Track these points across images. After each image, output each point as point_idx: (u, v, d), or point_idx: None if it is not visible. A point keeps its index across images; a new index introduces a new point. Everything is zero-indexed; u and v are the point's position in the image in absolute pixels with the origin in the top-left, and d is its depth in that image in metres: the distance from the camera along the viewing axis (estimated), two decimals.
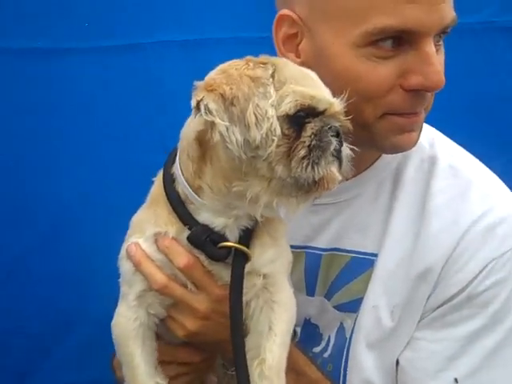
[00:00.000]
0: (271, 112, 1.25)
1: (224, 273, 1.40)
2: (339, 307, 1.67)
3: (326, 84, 1.36)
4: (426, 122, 1.65)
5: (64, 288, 2.36)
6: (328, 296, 1.68)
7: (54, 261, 2.38)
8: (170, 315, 1.47)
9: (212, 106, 1.23)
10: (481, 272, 1.52)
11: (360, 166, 1.61)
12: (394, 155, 1.62)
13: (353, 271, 1.64)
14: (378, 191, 1.63)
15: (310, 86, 1.32)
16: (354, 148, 1.34)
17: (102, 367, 1.58)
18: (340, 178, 1.32)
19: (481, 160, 1.69)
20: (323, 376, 1.61)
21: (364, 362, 1.62)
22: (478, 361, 1.53)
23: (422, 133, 1.64)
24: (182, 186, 1.39)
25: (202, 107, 1.24)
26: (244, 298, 1.41)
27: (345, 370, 1.64)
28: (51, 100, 2.33)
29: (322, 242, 1.67)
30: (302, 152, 1.26)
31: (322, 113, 1.30)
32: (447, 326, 1.55)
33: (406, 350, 1.59)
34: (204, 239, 1.37)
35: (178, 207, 1.39)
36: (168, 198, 1.41)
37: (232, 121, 1.24)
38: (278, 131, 1.25)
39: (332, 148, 1.29)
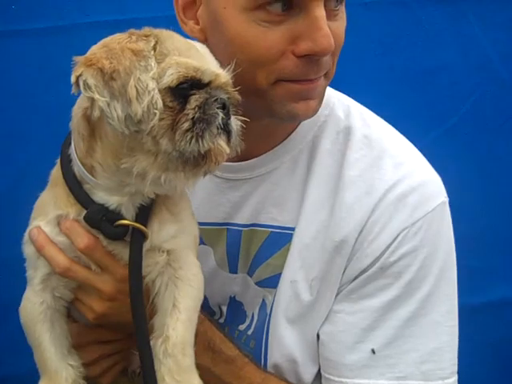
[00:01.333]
0: (152, 85, 1.23)
1: (124, 252, 1.38)
2: (260, 283, 1.66)
3: (220, 51, 1.35)
4: (355, 94, 1.66)
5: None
6: (250, 272, 1.67)
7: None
8: (77, 298, 1.46)
9: (90, 81, 1.21)
10: (393, 242, 1.51)
11: (274, 139, 1.62)
12: (309, 127, 1.61)
13: (272, 246, 1.63)
14: (294, 164, 1.61)
15: (195, 58, 1.29)
16: (246, 119, 1.32)
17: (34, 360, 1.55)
18: (228, 151, 1.30)
19: (412, 134, 1.67)
20: (241, 353, 1.60)
21: (284, 338, 1.61)
22: (394, 331, 1.53)
23: (338, 103, 1.64)
24: (77, 166, 1.37)
25: (81, 83, 1.22)
26: (149, 276, 1.40)
27: (266, 346, 1.64)
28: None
29: (241, 218, 1.66)
30: (186, 125, 1.24)
31: (208, 84, 1.28)
32: (363, 297, 1.55)
33: (326, 323, 1.59)
34: (100, 218, 1.35)
35: (75, 188, 1.37)
36: (65, 179, 1.39)
37: (113, 96, 1.21)
38: (160, 104, 1.23)
39: (218, 121, 1.27)
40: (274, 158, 1.62)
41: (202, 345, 1.54)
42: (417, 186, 1.55)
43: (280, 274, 1.62)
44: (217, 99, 1.27)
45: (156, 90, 1.23)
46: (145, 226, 1.37)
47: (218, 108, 1.27)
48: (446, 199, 1.58)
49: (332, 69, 1.49)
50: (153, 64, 1.24)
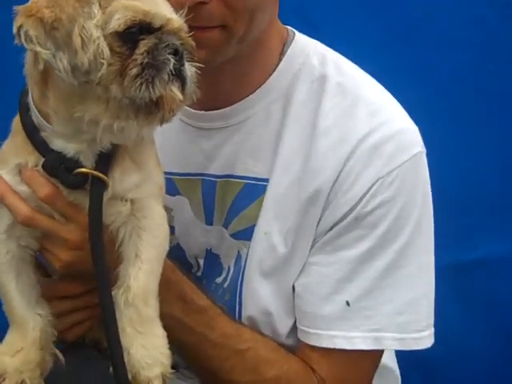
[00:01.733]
0: (96, 33, 1.17)
1: (86, 202, 1.34)
2: (235, 235, 1.64)
3: None
4: (341, 46, 1.62)
5: None
6: (225, 224, 1.65)
7: None
8: (44, 247, 1.43)
9: (31, 32, 1.16)
10: (367, 192, 1.48)
11: (247, 87, 1.58)
12: (283, 76, 1.57)
13: (246, 198, 1.60)
14: (268, 113, 1.58)
15: (145, 1, 1.24)
16: (201, 66, 1.28)
17: None
18: (182, 98, 1.25)
19: (398, 88, 1.62)
20: (213, 304, 1.58)
21: (259, 291, 1.59)
22: (369, 283, 1.51)
23: (313, 51, 1.60)
24: (34, 113, 1.33)
25: (22, 34, 1.17)
26: (112, 225, 1.37)
27: (240, 298, 1.62)
28: None
29: (215, 168, 1.63)
30: (134, 70, 1.20)
31: (159, 29, 1.23)
32: (338, 248, 1.52)
33: (301, 275, 1.56)
34: (58, 166, 1.31)
35: (33, 135, 1.33)
36: (23, 127, 1.34)
37: (58, 46, 1.16)
38: (107, 53, 1.18)
39: (169, 67, 1.22)
40: (247, 106, 1.59)
41: (174, 294, 1.52)
42: (392, 135, 1.50)
43: (254, 226, 1.59)
44: (168, 44, 1.22)
45: (101, 38, 1.18)
46: (105, 174, 1.32)
47: (169, 54, 1.22)
48: (424, 150, 1.55)
49: (236, 25, 1.42)
50: (96, 11, 1.19)
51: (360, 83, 1.59)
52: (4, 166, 1.38)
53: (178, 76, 1.23)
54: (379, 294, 1.51)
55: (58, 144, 1.32)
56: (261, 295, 1.60)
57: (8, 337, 1.43)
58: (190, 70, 1.26)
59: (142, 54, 1.20)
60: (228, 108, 1.59)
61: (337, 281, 1.52)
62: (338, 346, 1.53)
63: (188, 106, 1.61)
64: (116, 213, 1.36)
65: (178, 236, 1.71)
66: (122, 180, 1.35)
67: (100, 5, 1.20)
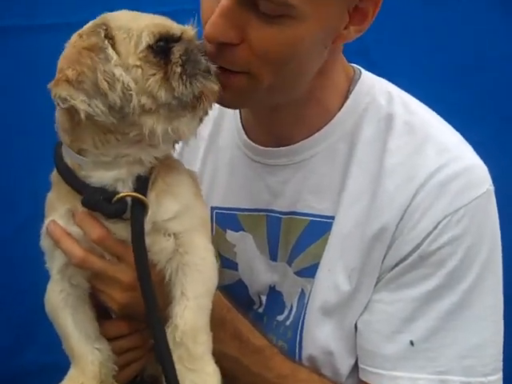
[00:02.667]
0: (118, 72, 1.29)
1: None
2: (299, 273, 1.63)
3: None
4: (407, 88, 1.63)
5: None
6: (289, 261, 1.65)
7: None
8: (99, 289, 1.46)
9: (63, 94, 1.27)
10: (434, 229, 1.46)
11: (312, 125, 1.60)
12: (349, 114, 1.58)
13: (311, 235, 1.60)
14: (333, 151, 1.59)
15: (155, 19, 1.37)
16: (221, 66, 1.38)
17: None
18: (218, 89, 1.36)
19: (462, 128, 1.62)
20: (269, 343, 1.58)
21: (320, 329, 1.58)
22: (434, 323, 1.47)
23: (380, 90, 1.61)
24: (67, 154, 1.39)
25: (58, 100, 1.28)
26: (160, 264, 1.40)
27: (301, 337, 1.61)
28: (23, 76, 2.41)
29: (280, 205, 1.64)
30: (178, 70, 1.32)
31: (180, 37, 1.35)
32: (403, 286, 1.50)
33: (364, 313, 1.55)
34: (97, 199, 1.36)
35: (69, 177, 1.39)
36: (61, 175, 1.41)
37: (89, 95, 1.27)
38: (132, 84, 1.29)
39: (204, 64, 1.35)
40: (312, 144, 1.60)
41: (229, 333, 1.53)
42: (460, 173, 1.49)
43: (318, 264, 1.59)
44: (195, 47, 1.35)
45: (123, 75, 1.29)
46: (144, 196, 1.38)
47: (200, 54, 1.35)
48: (492, 188, 1.52)
49: (261, 74, 1.41)
50: (111, 52, 1.30)
51: (428, 122, 1.59)
52: (54, 213, 1.44)
53: (209, 72, 1.35)
54: (444, 335, 1.48)
55: (95, 177, 1.37)
56: (322, 334, 1.58)
57: (69, 373, 1.46)
58: (213, 68, 1.37)
59: (179, 56, 1.33)
60: (293, 145, 1.60)
61: (400, 319, 1.50)
62: None
63: (253, 142, 1.65)
64: (161, 250, 1.39)
65: (240, 272, 1.72)
66: (159, 205, 1.39)
67: (113, 46, 1.31)
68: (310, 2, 1.33)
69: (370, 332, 1.54)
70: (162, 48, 1.32)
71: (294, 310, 1.65)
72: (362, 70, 1.66)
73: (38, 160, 2.40)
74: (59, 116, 1.39)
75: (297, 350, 1.61)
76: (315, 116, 1.59)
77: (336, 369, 1.59)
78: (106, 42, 1.31)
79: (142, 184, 1.38)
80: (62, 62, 1.32)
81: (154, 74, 1.30)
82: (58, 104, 1.29)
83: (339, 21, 1.43)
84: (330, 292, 1.56)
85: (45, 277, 2.38)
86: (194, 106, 1.34)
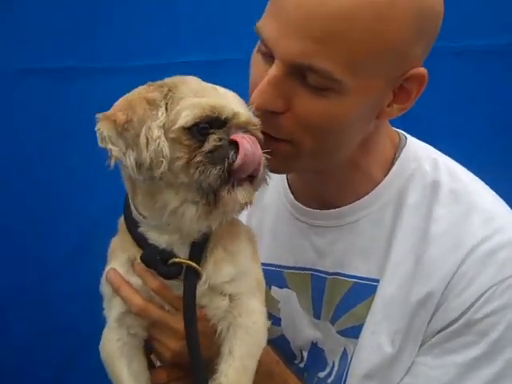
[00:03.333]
0: (157, 133, 1.29)
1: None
2: (343, 332, 1.66)
3: None
4: (447, 143, 1.66)
5: (92, 301, 2.44)
6: (332, 320, 1.68)
7: (83, 273, 2.46)
8: (154, 337, 1.51)
9: (105, 133, 1.30)
10: (479, 298, 1.49)
11: (357, 191, 1.64)
12: (396, 179, 1.62)
13: (355, 297, 1.64)
14: (380, 216, 1.62)
15: (212, 97, 1.35)
16: (267, 157, 1.37)
17: None
18: (243, 200, 1.34)
19: (504, 185, 1.65)
20: None
21: None
22: None
23: (426, 156, 1.64)
24: (132, 210, 1.44)
25: (98, 136, 1.31)
26: (213, 320, 1.44)
27: None
28: (79, 118, 2.42)
29: (326, 265, 1.68)
30: (198, 158, 1.30)
31: (225, 123, 1.33)
32: (446, 352, 1.52)
33: (406, 375, 1.57)
34: (154, 258, 1.41)
35: (133, 229, 1.45)
36: (126, 224, 1.47)
37: (128, 145, 1.29)
38: (166, 151, 1.30)
39: (226, 163, 1.30)
40: (359, 208, 1.64)
41: None
42: (507, 243, 1.52)
43: (363, 325, 1.62)
44: (229, 140, 1.32)
45: (162, 138, 1.30)
46: (198, 264, 1.41)
47: (228, 146, 1.31)
48: None
49: (303, 143, 1.44)
50: (160, 113, 1.31)
51: (473, 190, 1.62)
52: (115, 260, 1.49)
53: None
54: None
55: (152, 237, 1.43)
56: None
57: None
58: (262, 173, 1.36)
59: (211, 147, 1.30)
60: (341, 208, 1.65)
61: None
62: None
63: (299, 203, 1.69)
64: (216, 307, 1.44)
65: (283, 328, 1.75)
66: (216, 270, 1.43)
67: (166, 106, 1.32)
68: (354, 77, 1.38)
69: None
70: (200, 130, 1.31)
71: (336, 368, 1.68)
72: (408, 136, 1.70)
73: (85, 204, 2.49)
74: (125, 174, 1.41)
75: None
76: (359, 182, 1.63)
77: None
78: (163, 101, 1.33)
79: (198, 250, 1.42)
80: (120, 102, 1.34)
81: (180, 157, 1.31)
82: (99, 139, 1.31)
83: (383, 98, 1.47)
84: (373, 354, 1.59)
85: (85, 312, 2.46)
86: (214, 202, 1.32)
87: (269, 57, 1.43)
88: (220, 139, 1.31)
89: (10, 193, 2.46)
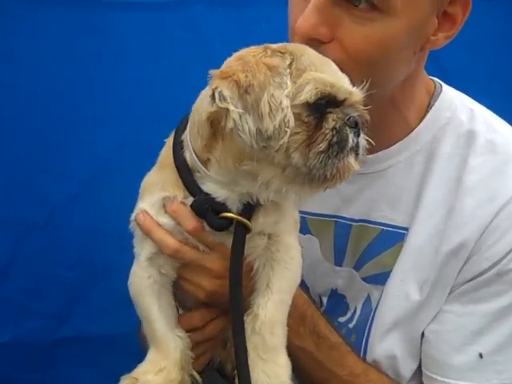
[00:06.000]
0: (286, 103, 1.23)
1: (226, 238, 1.41)
2: (367, 279, 1.67)
3: None
4: (474, 91, 1.65)
5: (100, 238, 2.45)
6: (357, 267, 1.68)
7: (90, 211, 2.46)
8: (186, 278, 1.49)
9: (226, 93, 1.22)
10: None
11: (390, 136, 1.62)
12: (428, 128, 1.60)
13: (383, 244, 1.64)
14: (411, 164, 1.61)
15: (330, 74, 1.30)
16: (370, 140, 1.34)
17: (131, 319, 1.61)
18: (356, 168, 1.31)
19: None
20: (343, 341, 1.62)
21: (388, 336, 1.62)
22: (503, 338, 1.52)
23: (461, 106, 1.62)
24: (191, 155, 1.39)
25: (217, 94, 1.23)
26: (249, 258, 1.43)
27: (367, 341, 1.65)
28: (98, 50, 2.39)
29: (352, 212, 1.67)
30: (323, 146, 1.25)
31: (342, 102, 1.29)
32: (476, 300, 1.54)
33: (433, 322, 1.59)
34: (206, 208, 1.37)
35: (184, 174, 1.40)
36: (175, 164, 1.41)
37: (246, 109, 1.22)
38: (292, 123, 1.23)
39: (350, 143, 1.28)
40: (391, 155, 1.62)
41: (308, 329, 1.57)
42: None
43: (389, 272, 1.62)
44: (350, 118, 1.28)
45: (289, 109, 1.23)
46: (249, 219, 1.38)
47: (350, 127, 1.28)
48: None
49: (352, 74, 1.37)
50: (288, 82, 1.25)
51: (510, 141, 1.61)
52: (149, 198, 1.45)
53: (355, 148, 1.30)
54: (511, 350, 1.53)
55: (209, 187, 1.38)
56: (389, 340, 1.62)
57: (149, 356, 1.49)
58: (362, 141, 1.32)
59: (332, 130, 1.26)
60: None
61: (471, 332, 1.55)
62: None
63: None
64: (254, 246, 1.42)
65: (303, 273, 1.74)
66: (264, 221, 1.41)
67: (291, 77, 1.26)
68: None
69: (439, 341, 1.58)
70: (318, 108, 1.27)
71: (358, 313, 1.69)
72: (443, 85, 1.67)
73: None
74: (201, 121, 1.35)
75: (361, 353, 1.66)
76: (395, 126, 1.61)
77: (398, 372, 1.64)
78: (288, 70, 1.27)
79: (250, 206, 1.39)
80: (236, 63, 1.27)
81: (298, 133, 1.25)
82: (213, 97, 1.24)
83: (428, 24, 1.44)
84: (400, 301, 1.60)
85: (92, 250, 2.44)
86: (324, 180, 1.29)
87: None
88: (338, 120, 1.28)
89: (14, 131, 2.37)
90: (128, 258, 1.53)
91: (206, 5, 2.38)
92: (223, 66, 1.29)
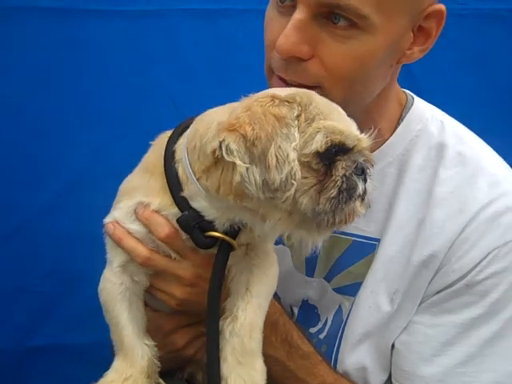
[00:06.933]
0: (292, 156, 1.23)
1: (203, 251, 1.42)
2: (339, 290, 1.67)
3: None
4: (446, 106, 1.67)
5: (71, 249, 2.45)
6: (328, 278, 1.69)
7: (63, 221, 2.45)
8: (157, 287, 1.49)
9: (233, 146, 1.22)
10: (482, 260, 1.51)
11: None
12: (399, 140, 1.62)
13: (354, 255, 1.64)
14: (382, 176, 1.61)
15: (339, 121, 1.31)
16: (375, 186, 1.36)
17: (103, 329, 1.61)
18: (362, 213, 1.32)
19: (502, 150, 1.67)
20: (315, 350, 1.62)
21: (358, 347, 1.63)
22: (472, 349, 1.53)
23: (432, 118, 1.64)
24: (187, 172, 1.37)
25: (224, 147, 1.22)
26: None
27: (337, 351, 1.66)
28: (74, 59, 2.39)
29: None
30: (334, 192, 1.26)
31: (351, 149, 1.30)
32: (445, 312, 1.55)
33: (403, 333, 1.60)
34: (193, 225, 1.38)
35: (174, 187, 1.39)
36: (166, 175, 1.40)
37: (252, 161, 1.22)
38: (298, 175, 1.23)
39: (359, 191, 1.29)
40: None
41: (280, 337, 1.57)
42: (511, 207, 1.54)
43: (361, 283, 1.63)
44: (357, 165, 1.30)
45: (296, 162, 1.24)
46: (234, 238, 1.39)
47: (357, 175, 1.30)
48: None
49: (332, 90, 1.41)
50: (296, 134, 1.25)
51: (480, 153, 1.63)
52: (126, 200, 1.45)
53: (362, 194, 1.31)
54: (481, 361, 1.53)
55: (200, 205, 1.37)
56: (359, 352, 1.63)
57: (116, 364, 1.48)
58: (370, 186, 1.34)
59: (341, 177, 1.27)
60: None
61: (440, 343, 1.55)
62: None
63: None
64: (232, 255, 1.42)
65: None
66: (246, 237, 1.42)
67: (299, 128, 1.26)
68: (379, 13, 1.37)
69: (408, 353, 1.59)
70: (328, 155, 1.27)
71: (329, 324, 1.69)
72: (415, 97, 1.69)
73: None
74: (205, 152, 1.31)
75: (332, 363, 1.66)
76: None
77: (368, 383, 1.64)
78: (296, 122, 1.26)
79: (234, 231, 1.39)
80: (243, 114, 1.25)
81: (306, 178, 1.26)
82: (220, 149, 1.24)
83: (404, 39, 1.46)
84: (371, 312, 1.61)
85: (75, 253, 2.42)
86: (332, 225, 1.29)
87: (289, 7, 1.41)
88: (347, 168, 1.28)
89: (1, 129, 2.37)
90: (100, 268, 1.52)
91: (183, 14, 2.39)
92: (230, 118, 1.28)
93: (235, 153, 1.22)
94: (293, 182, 1.23)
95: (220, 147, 1.23)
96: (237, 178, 1.23)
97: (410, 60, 1.52)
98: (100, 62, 2.40)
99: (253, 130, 1.22)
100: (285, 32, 1.39)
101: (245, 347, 1.39)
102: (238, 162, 1.22)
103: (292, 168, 1.23)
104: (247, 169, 1.22)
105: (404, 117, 1.64)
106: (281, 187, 1.23)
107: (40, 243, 2.43)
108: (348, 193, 1.28)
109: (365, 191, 1.31)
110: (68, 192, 2.43)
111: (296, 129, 1.26)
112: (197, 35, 2.42)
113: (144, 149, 1.53)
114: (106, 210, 1.52)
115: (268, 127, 1.23)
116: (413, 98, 1.68)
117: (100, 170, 2.40)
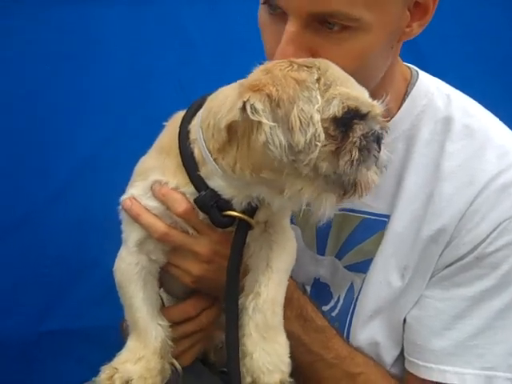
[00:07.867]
0: (317, 117, 1.24)
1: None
2: (350, 267, 1.69)
3: None
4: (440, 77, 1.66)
5: (80, 236, 2.46)
6: (339, 256, 1.70)
7: (71, 209, 2.46)
8: (173, 264, 1.50)
9: (259, 106, 1.22)
10: (492, 232, 1.51)
11: None
12: (405, 116, 1.62)
13: (364, 232, 1.65)
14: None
15: (354, 88, 1.32)
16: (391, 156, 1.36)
17: (113, 314, 1.62)
18: (377, 181, 1.33)
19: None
20: (330, 325, 1.64)
21: (370, 323, 1.64)
22: (483, 322, 1.54)
23: (438, 92, 1.64)
24: (203, 152, 1.38)
25: (248, 107, 1.22)
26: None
27: (349, 328, 1.67)
28: (76, 47, 2.38)
29: None
30: (353, 153, 1.27)
31: (366, 115, 1.31)
32: (456, 285, 1.56)
33: (414, 308, 1.61)
34: (211, 204, 1.39)
35: (191, 167, 1.40)
36: (181, 155, 1.41)
37: (277, 123, 1.23)
38: (322, 137, 1.24)
39: (376, 153, 1.31)
40: None
41: (295, 311, 1.58)
42: None
43: (371, 260, 1.64)
44: (373, 131, 1.31)
45: (320, 123, 1.24)
46: (251, 217, 1.40)
47: (373, 140, 1.30)
48: None
49: None
50: (318, 97, 1.26)
51: (487, 125, 1.62)
52: (142, 180, 1.46)
53: (377, 160, 1.32)
54: (493, 333, 1.54)
55: (216, 183, 1.39)
56: (371, 327, 1.64)
57: (129, 344, 1.49)
58: (384, 155, 1.34)
59: (359, 137, 1.28)
60: None
61: (451, 317, 1.56)
62: (448, 381, 1.55)
63: None
64: (250, 233, 1.43)
65: None
66: (263, 214, 1.44)
67: (320, 91, 1.27)
68: (370, 11, 1.37)
69: (420, 327, 1.60)
70: (344, 121, 1.28)
71: (342, 301, 1.71)
72: (419, 72, 1.69)
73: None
74: (219, 127, 1.32)
75: None
76: None
77: (381, 358, 1.66)
78: (316, 85, 1.27)
79: (252, 209, 1.41)
80: (265, 77, 1.26)
81: (325, 145, 1.26)
82: (244, 109, 1.24)
83: (401, 21, 1.46)
84: (382, 288, 1.62)
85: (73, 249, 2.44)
86: (347, 191, 1.30)
87: (280, 14, 1.41)
88: (365, 132, 1.29)
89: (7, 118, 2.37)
90: (110, 253, 1.53)
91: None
92: (250, 78, 1.29)
93: (261, 112, 1.22)
94: (317, 143, 1.23)
95: (244, 107, 1.23)
96: (262, 137, 1.23)
97: (410, 36, 1.52)
98: (104, 48, 2.40)
99: (277, 90, 1.23)
100: (280, 47, 1.39)
101: (268, 322, 1.40)
102: (264, 120, 1.22)
103: (316, 130, 1.23)
104: (271, 129, 1.22)
105: (409, 92, 1.64)
106: (304, 149, 1.23)
107: (48, 231, 2.44)
108: (367, 151, 1.29)
109: (379, 159, 1.33)
110: (76, 179, 2.44)
111: (317, 91, 1.27)
112: (197, 19, 2.43)
113: (151, 133, 1.53)
114: (114, 196, 1.52)
115: (290, 90, 1.24)
116: (417, 73, 1.68)
117: (108, 157, 2.41)
